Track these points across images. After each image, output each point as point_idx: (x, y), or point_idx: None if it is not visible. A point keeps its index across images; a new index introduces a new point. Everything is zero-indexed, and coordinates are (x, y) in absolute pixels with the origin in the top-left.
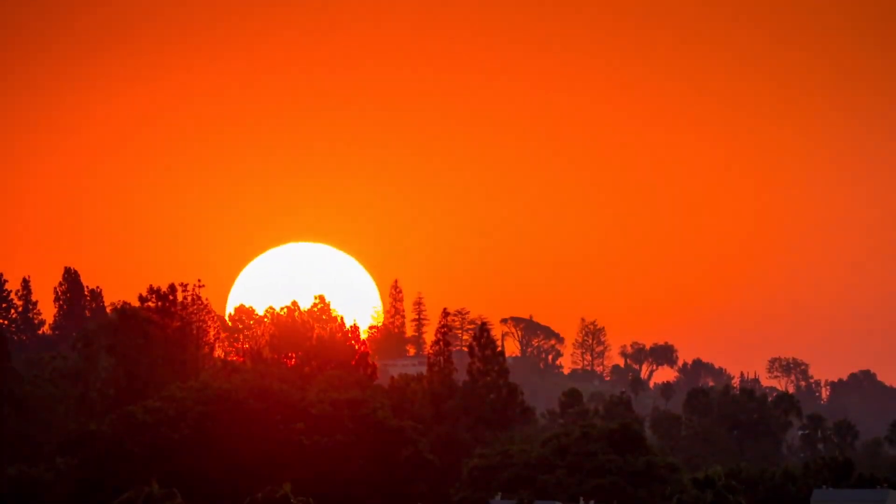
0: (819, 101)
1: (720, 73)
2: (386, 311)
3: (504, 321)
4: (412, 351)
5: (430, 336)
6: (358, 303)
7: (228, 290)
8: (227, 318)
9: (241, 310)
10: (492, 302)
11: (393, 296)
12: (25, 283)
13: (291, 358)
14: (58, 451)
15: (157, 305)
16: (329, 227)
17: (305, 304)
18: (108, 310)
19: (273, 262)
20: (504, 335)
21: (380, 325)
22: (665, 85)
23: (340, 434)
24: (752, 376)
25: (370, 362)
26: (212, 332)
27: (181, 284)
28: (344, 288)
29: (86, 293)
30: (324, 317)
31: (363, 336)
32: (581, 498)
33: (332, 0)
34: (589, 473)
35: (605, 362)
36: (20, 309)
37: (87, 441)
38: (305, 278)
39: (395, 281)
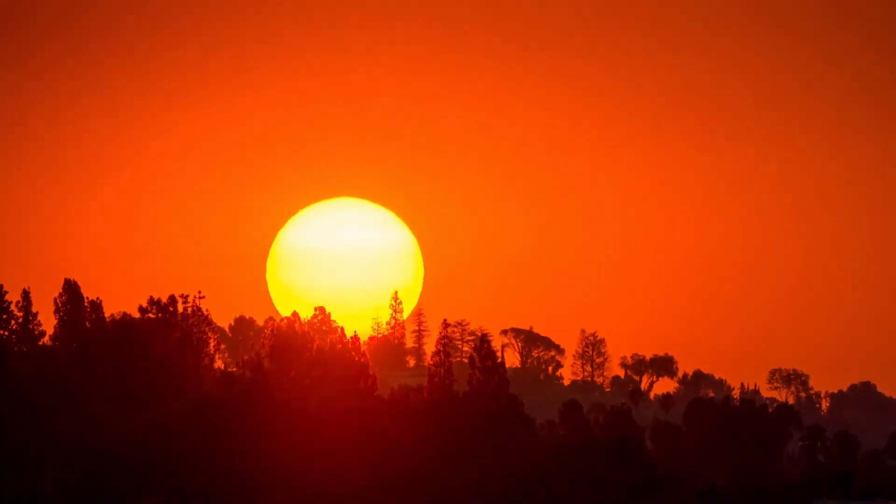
0: (821, 114)
1: (723, 84)
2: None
3: (504, 332)
4: (412, 362)
5: (430, 347)
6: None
7: (260, 261)
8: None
9: (241, 321)
10: (492, 313)
11: (393, 307)
12: (25, 295)
13: (291, 369)
14: (58, 463)
15: (157, 317)
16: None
17: (306, 314)
18: (107, 321)
19: (311, 221)
20: (504, 346)
21: (380, 335)
22: (665, 95)
23: (340, 445)
24: (752, 387)
25: (370, 373)
26: (212, 344)
27: (181, 296)
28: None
29: (86, 304)
30: (324, 328)
31: (363, 345)
32: None
33: None
34: (589, 484)
35: (606, 373)
36: (20, 320)
37: (88, 453)
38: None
39: (395, 292)
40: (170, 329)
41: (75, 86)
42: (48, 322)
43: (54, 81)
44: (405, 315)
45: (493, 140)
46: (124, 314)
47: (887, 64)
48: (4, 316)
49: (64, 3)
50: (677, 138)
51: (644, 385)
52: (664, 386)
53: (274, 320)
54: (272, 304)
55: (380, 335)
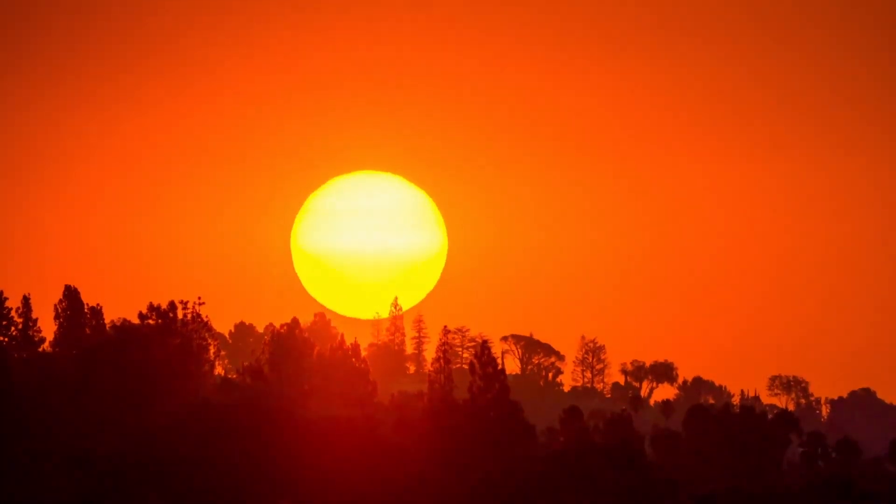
0: (825, 120)
1: (725, 87)
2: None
3: (504, 339)
4: (412, 369)
5: (430, 354)
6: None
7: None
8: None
9: (241, 327)
10: (492, 320)
11: (393, 313)
12: (26, 301)
13: (291, 375)
14: (58, 469)
15: (157, 323)
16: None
17: (306, 320)
18: (108, 327)
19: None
20: (504, 353)
21: (380, 342)
22: (665, 99)
23: (340, 452)
24: (752, 394)
25: (370, 380)
26: (212, 350)
27: (181, 302)
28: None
29: (86, 311)
30: (324, 334)
31: (363, 351)
32: None
33: None
34: (589, 491)
35: (606, 380)
36: (20, 326)
37: (87, 459)
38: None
39: (395, 298)
40: (170, 335)
41: (74, 91)
42: (48, 328)
43: (53, 86)
44: (406, 307)
45: (489, 150)
46: (124, 320)
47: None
48: (4, 322)
49: (61, 5)
50: (676, 143)
51: (644, 391)
52: (664, 392)
53: (274, 326)
54: (274, 308)
55: (380, 341)
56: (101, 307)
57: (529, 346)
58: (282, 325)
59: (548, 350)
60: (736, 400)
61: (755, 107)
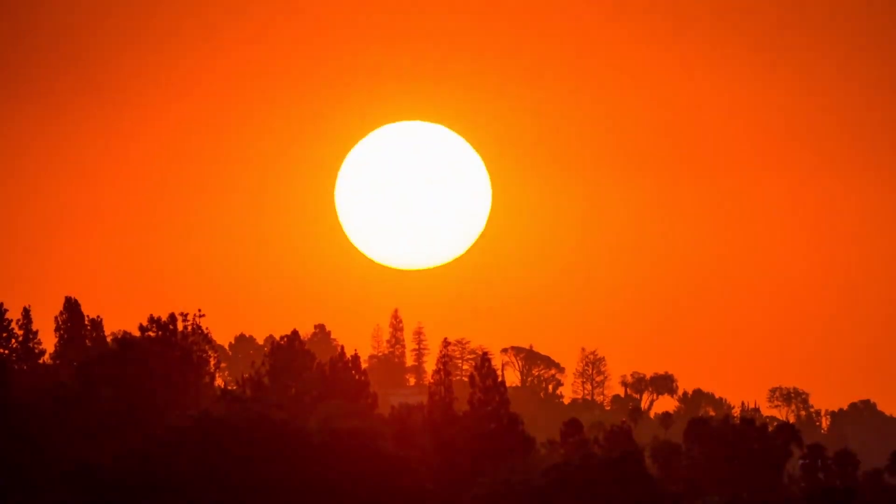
0: (824, 133)
1: (724, 95)
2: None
3: (504, 351)
4: (412, 380)
5: (430, 366)
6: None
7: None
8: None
9: (241, 339)
10: (492, 331)
11: (393, 325)
12: (26, 313)
13: (291, 387)
14: (58, 481)
15: (157, 335)
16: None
17: (306, 331)
18: (108, 339)
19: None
20: (504, 365)
21: (380, 354)
22: (667, 107)
23: (340, 464)
24: (752, 406)
25: (370, 392)
26: (212, 362)
27: (181, 314)
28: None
29: (86, 323)
30: (324, 345)
31: (363, 362)
32: None
33: None
34: (589, 503)
35: (606, 392)
36: (21, 338)
37: (88, 471)
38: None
39: (396, 310)
40: (170, 347)
41: (73, 99)
42: (49, 340)
43: (52, 94)
44: (406, 318)
45: (490, 157)
46: (125, 332)
47: None
48: (5, 334)
49: (59, 5)
50: (676, 154)
51: (644, 403)
52: (664, 404)
53: (274, 338)
54: (274, 319)
55: (380, 353)
56: (101, 319)
57: (529, 358)
58: (282, 337)
59: (548, 362)
60: (736, 412)
61: (755, 118)
